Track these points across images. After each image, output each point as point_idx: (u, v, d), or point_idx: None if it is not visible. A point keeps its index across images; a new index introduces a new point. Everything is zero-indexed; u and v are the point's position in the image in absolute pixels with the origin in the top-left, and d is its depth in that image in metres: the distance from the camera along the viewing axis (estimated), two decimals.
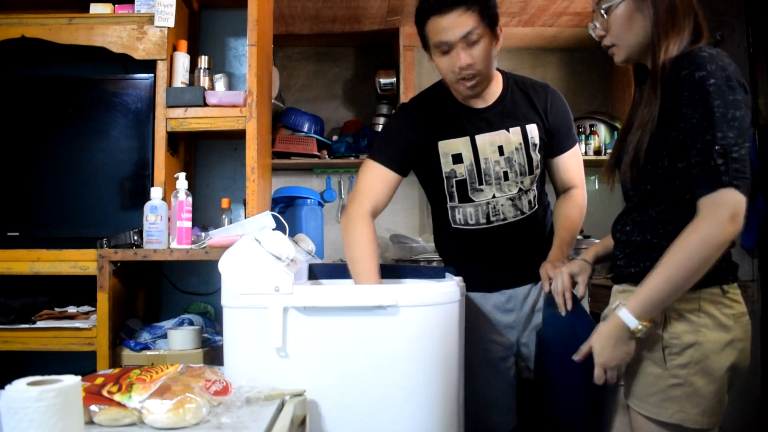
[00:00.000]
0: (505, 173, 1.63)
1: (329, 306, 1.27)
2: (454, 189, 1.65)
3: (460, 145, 1.62)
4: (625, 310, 1.16)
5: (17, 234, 2.01)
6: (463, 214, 1.67)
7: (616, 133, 3.48)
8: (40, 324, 1.82)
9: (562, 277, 1.43)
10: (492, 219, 1.65)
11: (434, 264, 3.03)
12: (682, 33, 1.18)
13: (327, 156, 3.46)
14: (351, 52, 3.78)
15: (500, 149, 1.62)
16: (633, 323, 1.15)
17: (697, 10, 1.21)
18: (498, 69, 1.66)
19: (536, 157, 1.64)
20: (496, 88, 1.65)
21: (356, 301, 1.27)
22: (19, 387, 0.86)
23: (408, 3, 3.11)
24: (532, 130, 1.64)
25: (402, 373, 1.28)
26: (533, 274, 1.61)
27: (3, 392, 0.86)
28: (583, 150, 3.53)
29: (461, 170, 1.63)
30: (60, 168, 2.04)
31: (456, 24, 1.49)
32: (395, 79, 3.49)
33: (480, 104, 1.64)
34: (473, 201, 1.64)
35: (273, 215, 1.74)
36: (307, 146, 3.38)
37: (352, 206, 1.59)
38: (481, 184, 1.63)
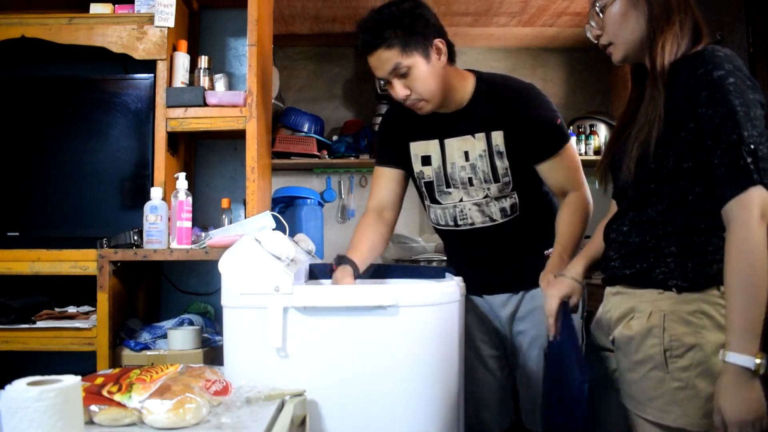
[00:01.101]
0: (470, 179, 1.61)
1: (329, 306, 1.27)
2: (424, 190, 1.70)
3: (429, 147, 1.65)
4: (733, 354, 1.05)
5: (17, 234, 2.01)
6: (435, 215, 1.71)
7: None
8: (40, 324, 1.82)
9: (550, 301, 1.38)
10: (459, 222, 1.66)
11: (434, 264, 3.03)
12: (679, 30, 1.18)
13: (327, 156, 3.46)
14: (351, 52, 3.77)
15: (466, 154, 1.61)
16: (750, 362, 1.04)
17: (693, 8, 1.21)
18: (472, 71, 1.65)
19: (502, 164, 1.58)
20: (465, 93, 1.61)
21: (356, 301, 1.27)
22: (19, 387, 0.86)
23: None
24: (498, 137, 1.58)
25: (402, 373, 1.28)
26: (511, 284, 1.63)
27: (3, 392, 0.86)
28: (583, 150, 3.53)
29: (429, 172, 1.66)
30: (60, 168, 2.04)
31: (381, 62, 1.52)
32: None
33: (452, 108, 1.61)
34: (440, 203, 1.67)
35: (273, 215, 1.74)
36: (307, 146, 3.38)
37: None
38: (448, 186, 1.64)
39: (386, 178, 1.73)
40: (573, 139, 1.56)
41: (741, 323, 1.05)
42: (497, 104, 1.58)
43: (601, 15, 1.24)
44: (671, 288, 1.16)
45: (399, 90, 1.53)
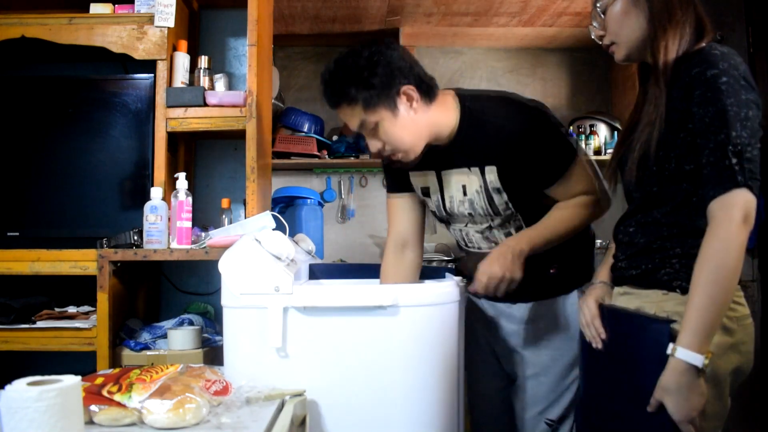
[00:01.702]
0: (470, 214, 1.54)
1: (329, 306, 1.27)
2: (431, 213, 1.67)
3: (427, 179, 1.58)
4: (683, 350, 1.05)
5: (17, 234, 2.01)
6: (448, 230, 1.68)
7: (616, 133, 3.47)
8: (40, 324, 1.82)
9: (587, 305, 1.30)
10: (468, 246, 1.63)
11: (434, 264, 3.03)
12: (682, 28, 1.17)
13: (327, 156, 3.46)
14: None
15: (464, 188, 1.52)
16: (698, 360, 1.04)
17: (696, 4, 1.20)
18: (457, 94, 1.51)
19: (501, 199, 1.48)
20: (452, 126, 1.48)
21: (356, 301, 1.27)
22: (19, 387, 0.86)
23: (408, 3, 3.11)
24: (491, 173, 1.46)
25: (402, 373, 1.28)
26: (521, 295, 1.54)
27: (3, 392, 0.86)
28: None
29: (430, 203, 1.62)
30: (60, 168, 2.04)
31: (347, 118, 1.44)
32: None
33: (444, 141, 1.49)
34: (449, 225, 1.64)
35: (273, 215, 1.74)
36: (307, 146, 3.38)
37: None
38: (450, 217, 1.60)
39: (399, 207, 1.66)
40: (581, 144, 1.45)
41: (698, 321, 1.05)
42: (483, 140, 1.46)
43: (603, 15, 1.24)
44: (675, 289, 1.16)
45: (371, 145, 1.46)
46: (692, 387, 1.05)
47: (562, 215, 1.48)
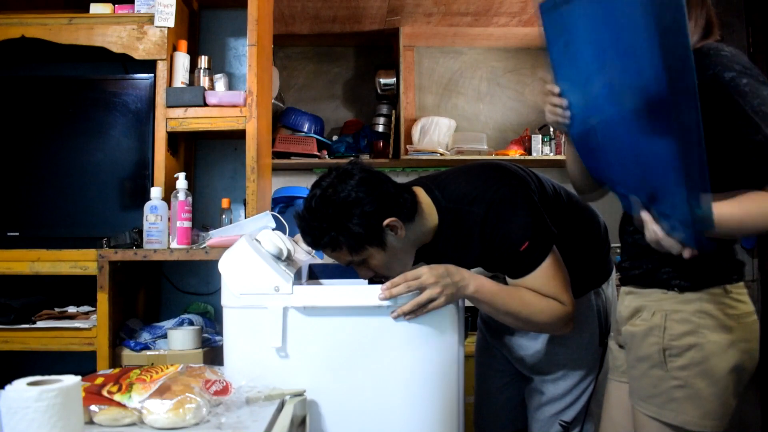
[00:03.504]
0: None
1: (329, 306, 1.27)
2: None
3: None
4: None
5: (17, 234, 2.01)
6: None
7: None
8: (40, 324, 1.82)
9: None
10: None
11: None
12: (696, 26, 1.16)
13: (327, 156, 3.45)
14: (351, 52, 3.77)
15: None
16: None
17: (709, 5, 1.19)
18: (428, 187, 1.44)
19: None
20: (432, 227, 1.43)
21: (356, 301, 1.27)
22: (19, 387, 0.86)
23: (408, 3, 3.11)
24: (477, 269, 1.44)
25: (402, 373, 1.28)
26: None
27: (3, 392, 0.86)
28: None
29: None
30: (60, 168, 2.04)
31: (334, 258, 1.40)
32: (395, 79, 3.49)
33: (428, 240, 1.45)
34: None
35: (273, 215, 1.74)
36: (307, 146, 3.38)
37: None
38: None
39: None
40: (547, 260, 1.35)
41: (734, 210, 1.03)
42: (465, 232, 1.40)
43: None
44: (674, 288, 1.17)
45: (362, 274, 1.42)
46: None
47: (525, 297, 1.35)
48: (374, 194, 1.32)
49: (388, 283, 1.25)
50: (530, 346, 1.57)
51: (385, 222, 1.33)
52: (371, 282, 1.44)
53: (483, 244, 1.38)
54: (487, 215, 1.35)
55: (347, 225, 1.30)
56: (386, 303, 1.25)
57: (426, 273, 1.26)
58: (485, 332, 1.70)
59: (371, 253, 1.35)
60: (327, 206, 1.31)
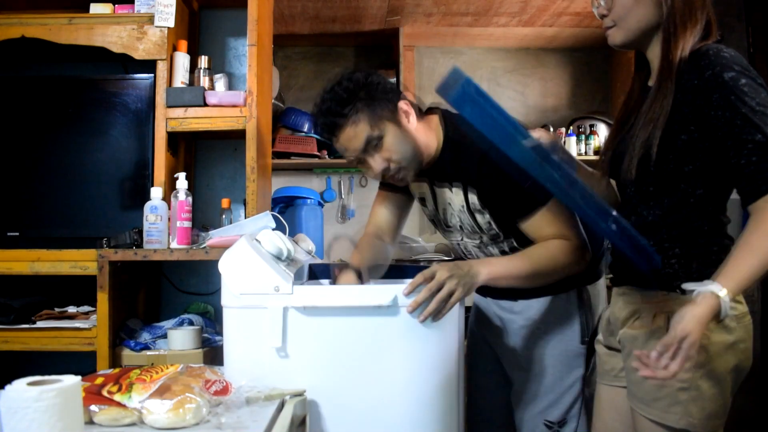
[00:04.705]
0: (461, 227, 1.55)
1: (329, 306, 1.27)
2: (432, 221, 1.67)
3: (423, 188, 1.59)
4: (726, 292, 1.02)
5: (17, 234, 2.01)
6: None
7: None
8: (40, 324, 1.82)
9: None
10: (467, 257, 1.62)
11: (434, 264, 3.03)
12: (697, 26, 1.16)
13: (327, 156, 3.46)
14: (351, 52, 3.77)
15: (450, 204, 1.53)
16: (728, 308, 1.03)
17: (709, 6, 1.19)
18: (445, 116, 1.50)
19: (483, 219, 1.47)
20: (435, 145, 1.49)
21: (356, 301, 1.27)
22: (19, 387, 0.86)
23: (408, 3, 3.11)
24: (472, 194, 1.46)
25: (401, 373, 1.28)
26: (521, 292, 1.53)
27: (3, 392, 0.86)
28: (583, 150, 3.53)
29: (426, 212, 1.65)
30: (60, 168, 2.05)
31: (350, 140, 1.41)
32: (395, 78, 3.48)
33: (432, 159, 1.50)
34: (448, 236, 1.63)
35: (273, 215, 1.74)
36: (307, 146, 3.38)
37: None
38: (447, 227, 1.60)
39: (386, 200, 1.68)
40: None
41: (745, 271, 1.03)
42: (465, 161, 1.45)
43: None
44: (676, 289, 1.16)
45: (376, 164, 1.43)
46: (705, 320, 1.02)
47: (532, 254, 1.40)
48: (393, 84, 1.46)
49: (407, 288, 1.25)
50: (514, 342, 1.58)
51: (400, 102, 1.44)
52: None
53: (486, 177, 1.42)
54: (494, 154, 1.34)
55: (369, 93, 1.40)
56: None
57: (439, 270, 1.28)
58: (474, 327, 1.70)
59: (388, 129, 1.41)
60: (350, 82, 1.42)
